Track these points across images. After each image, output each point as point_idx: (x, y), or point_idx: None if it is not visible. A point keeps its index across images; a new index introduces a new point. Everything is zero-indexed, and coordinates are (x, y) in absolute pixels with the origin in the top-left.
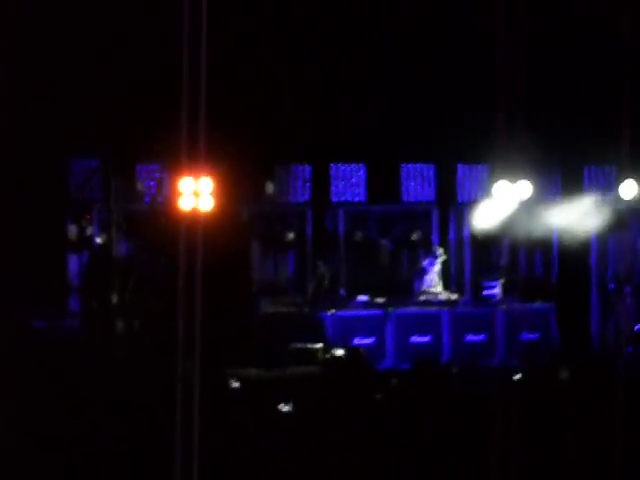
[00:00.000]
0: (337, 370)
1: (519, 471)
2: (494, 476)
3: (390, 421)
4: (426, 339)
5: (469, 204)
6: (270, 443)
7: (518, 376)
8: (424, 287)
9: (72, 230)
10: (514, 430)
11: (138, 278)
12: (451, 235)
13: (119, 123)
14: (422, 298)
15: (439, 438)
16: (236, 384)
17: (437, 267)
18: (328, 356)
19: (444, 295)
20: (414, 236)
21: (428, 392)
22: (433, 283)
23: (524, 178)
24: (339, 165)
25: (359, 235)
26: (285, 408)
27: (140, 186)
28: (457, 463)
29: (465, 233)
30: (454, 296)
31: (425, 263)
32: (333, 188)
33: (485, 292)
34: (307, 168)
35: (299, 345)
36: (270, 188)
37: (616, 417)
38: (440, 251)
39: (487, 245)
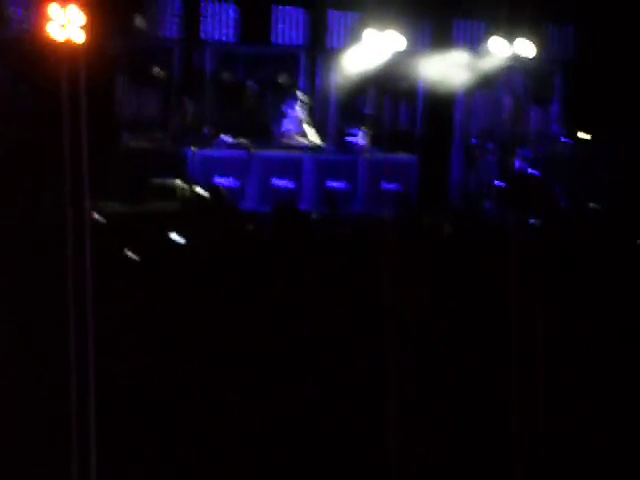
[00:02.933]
0: (197, 206)
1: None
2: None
3: (254, 258)
4: (288, 183)
5: (338, 51)
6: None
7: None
8: (283, 130)
9: None
10: (376, 272)
11: (2, 106)
12: (318, 81)
13: None
14: (286, 142)
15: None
16: (98, 217)
17: (298, 111)
18: (189, 193)
19: (307, 140)
20: (281, 79)
21: (289, 235)
22: (295, 127)
23: (393, 28)
24: (209, 2)
25: (226, 75)
26: (130, 255)
27: (7, 12)
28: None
29: (332, 80)
30: (319, 141)
31: (285, 106)
32: (202, 26)
33: (348, 140)
34: (177, 3)
35: (160, 181)
36: (139, 22)
37: (472, 263)
38: (301, 94)
39: (353, 94)
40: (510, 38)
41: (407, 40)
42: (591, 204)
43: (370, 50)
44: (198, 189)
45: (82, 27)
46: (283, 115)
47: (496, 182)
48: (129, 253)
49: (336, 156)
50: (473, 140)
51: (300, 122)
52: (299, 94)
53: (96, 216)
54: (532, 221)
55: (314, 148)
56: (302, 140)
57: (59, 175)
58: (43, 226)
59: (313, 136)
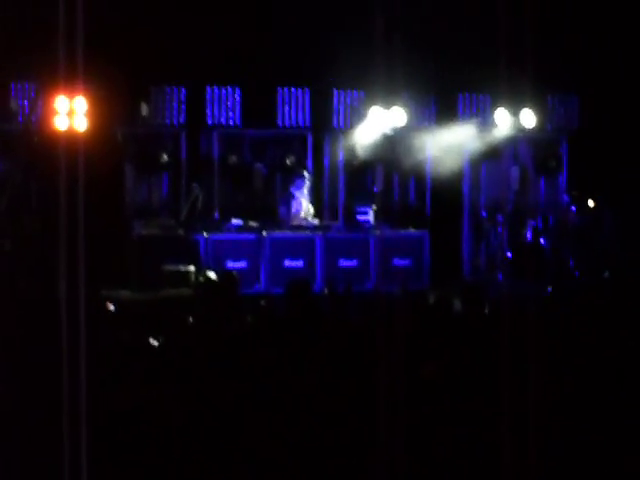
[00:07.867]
0: (210, 292)
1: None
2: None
3: (260, 341)
4: (299, 264)
5: (344, 130)
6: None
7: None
8: (292, 212)
9: None
10: (390, 351)
11: (10, 198)
12: (325, 160)
13: None
14: (295, 223)
15: (315, 358)
16: (112, 307)
17: (305, 191)
18: (201, 278)
19: (316, 220)
20: (289, 161)
21: (301, 313)
22: (302, 208)
23: (398, 104)
24: (214, 87)
25: (233, 159)
26: (154, 342)
27: (14, 105)
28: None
29: (339, 159)
30: (325, 222)
31: (292, 187)
32: (208, 111)
33: (358, 218)
34: (182, 90)
35: (172, 267)
36: (145, 109)
37: (485, 336)
38: (306, 174)
39: (361, 171)
40: (515, 109)
41: (413, 115)
42: (606, 273)
43: (376, 127)
44: (210, 274)
45: (87, 117)
46: (291, 196)
47: (508, 254)
48: (151, 340)
49: (346, 234)
50: (482, 213)
51: (306, 202)
52: (306, 174)
53: (109, 305)
54: (549, 289)
55: (324, 227)
56: (311, 220)
57: (69, 265)
58: (52, 315)
59: (320, 216)
